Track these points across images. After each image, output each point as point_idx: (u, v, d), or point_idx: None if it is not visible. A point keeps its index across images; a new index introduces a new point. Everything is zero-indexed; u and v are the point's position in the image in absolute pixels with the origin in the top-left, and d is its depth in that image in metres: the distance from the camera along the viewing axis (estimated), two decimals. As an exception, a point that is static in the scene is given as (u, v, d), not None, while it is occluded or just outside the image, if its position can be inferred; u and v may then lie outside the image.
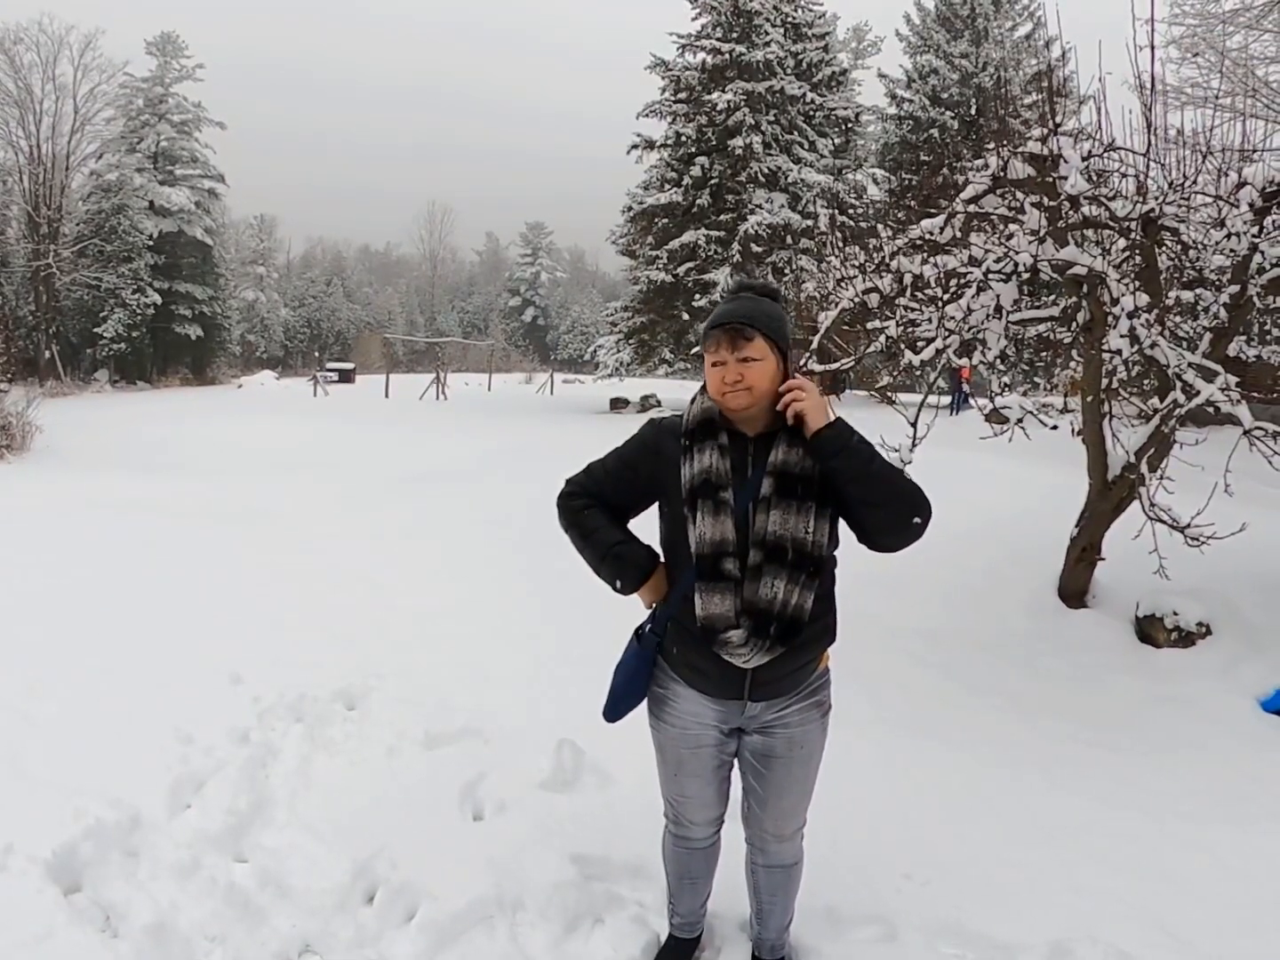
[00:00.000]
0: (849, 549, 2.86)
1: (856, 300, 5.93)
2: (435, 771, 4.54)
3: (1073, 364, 7.06)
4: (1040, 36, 33.57)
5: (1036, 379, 22.43)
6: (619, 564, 2.88)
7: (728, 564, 2.72)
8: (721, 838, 3.25)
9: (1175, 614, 6.25)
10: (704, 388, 2.89)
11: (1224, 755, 5.12)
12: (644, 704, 3.06)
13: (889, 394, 6.10)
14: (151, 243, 44.65)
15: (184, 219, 46.24)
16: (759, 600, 2.69)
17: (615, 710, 3.04)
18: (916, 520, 2.70)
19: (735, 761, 3.09)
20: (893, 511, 2.70)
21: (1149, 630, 6.33)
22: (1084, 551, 6.62)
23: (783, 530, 2.69)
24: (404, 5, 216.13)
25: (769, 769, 2.98)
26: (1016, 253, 5.30)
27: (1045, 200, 5.52)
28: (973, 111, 32.62)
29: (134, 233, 43.41)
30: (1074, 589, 6.74)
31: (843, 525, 2.83)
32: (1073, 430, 6.25)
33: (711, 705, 2.91)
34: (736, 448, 2.79)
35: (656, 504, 2.94)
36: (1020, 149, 5.61)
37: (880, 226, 6.62)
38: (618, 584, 2.89)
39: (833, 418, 2.68)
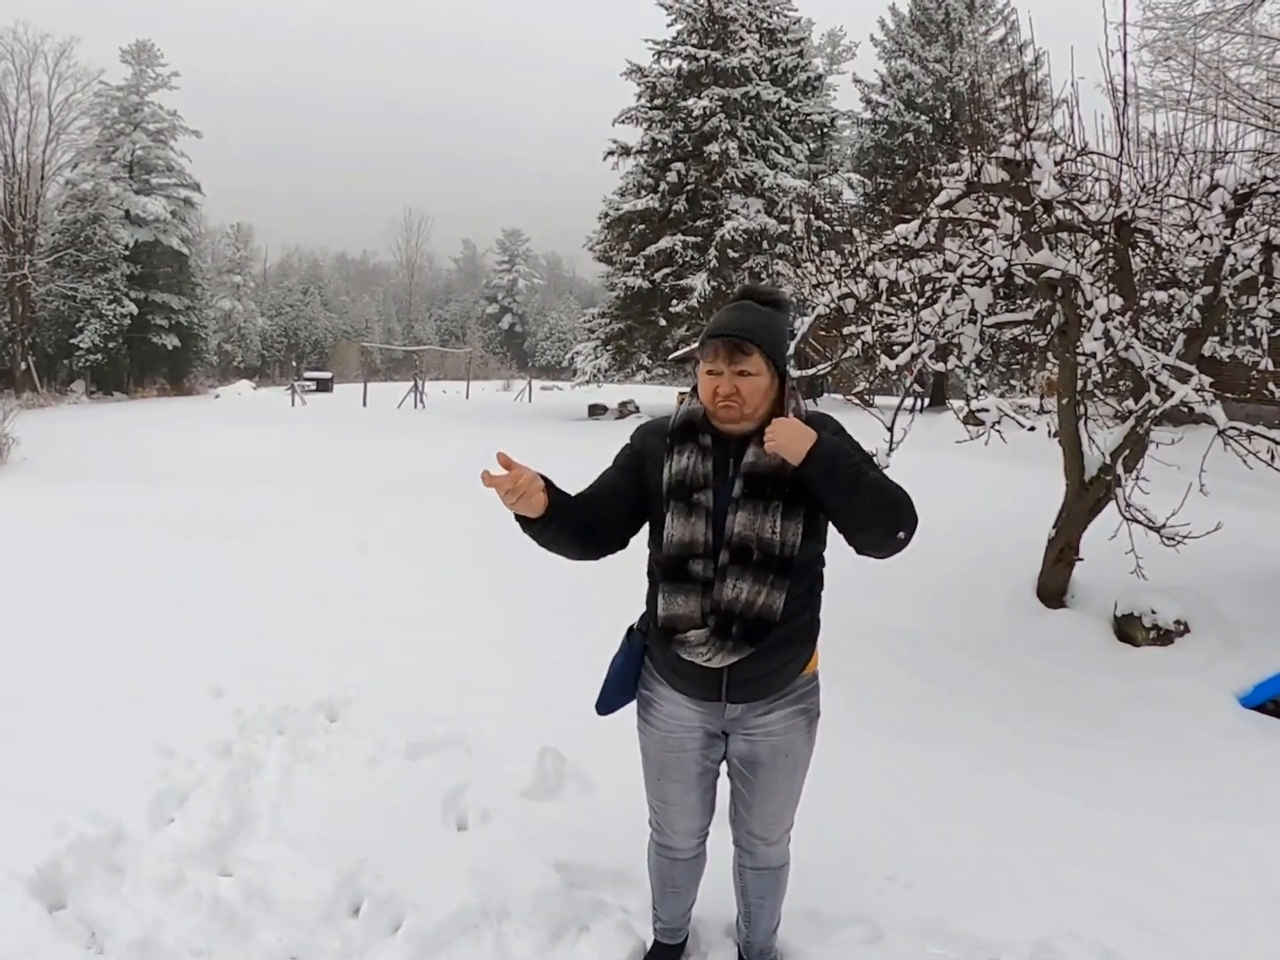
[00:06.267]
0: (830, 552, 2.88)
1: (832, 306, 5.96)
2: (418, 781, 4.52)
3: (1049, 366, 7.11)
4: (1014, 40, 33.76)
5: (1013, 381, 22.65)
6: None
7: (695, 565, 2.72)
8: (707, 850, 3.25)
9: (1153, 612, 6.28)
10: (695, 389, 2.88)
11: (1203, 751, 5.16)
12: (634, 705, 3.07)
13: (866, 398, 6.12)
14: (127, 252, 44.44)
15: (160, 228, 46.02)
16: (723, 600, 2.68)
17: (604, 703, 3.04)
18: (901, 535, 2.67)
19: (721, 768, 3.09)
20: (877, 530, 2.66)
21: (1127, 629, 6.37)
22: (1062, 552, 6.66)
23: (748, 531, 2.68)
24: (377, 20, 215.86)
25: (755, 775, 2.98)
26: (990, 257, 5.34)
27: (1019, 205, 5.56)
28: (947, 116, 32.77)
29: (110, 242, 43.19)
30: (1053, 589, 6.78)
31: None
32: (1049, 432, 6.28)
33: (693, 708, 2.91)
34: (719, 449, 2.79)
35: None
36: (994, 154, 5.65)
37: (856, 231, 6.66)
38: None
39: (808, 449, 2.60)
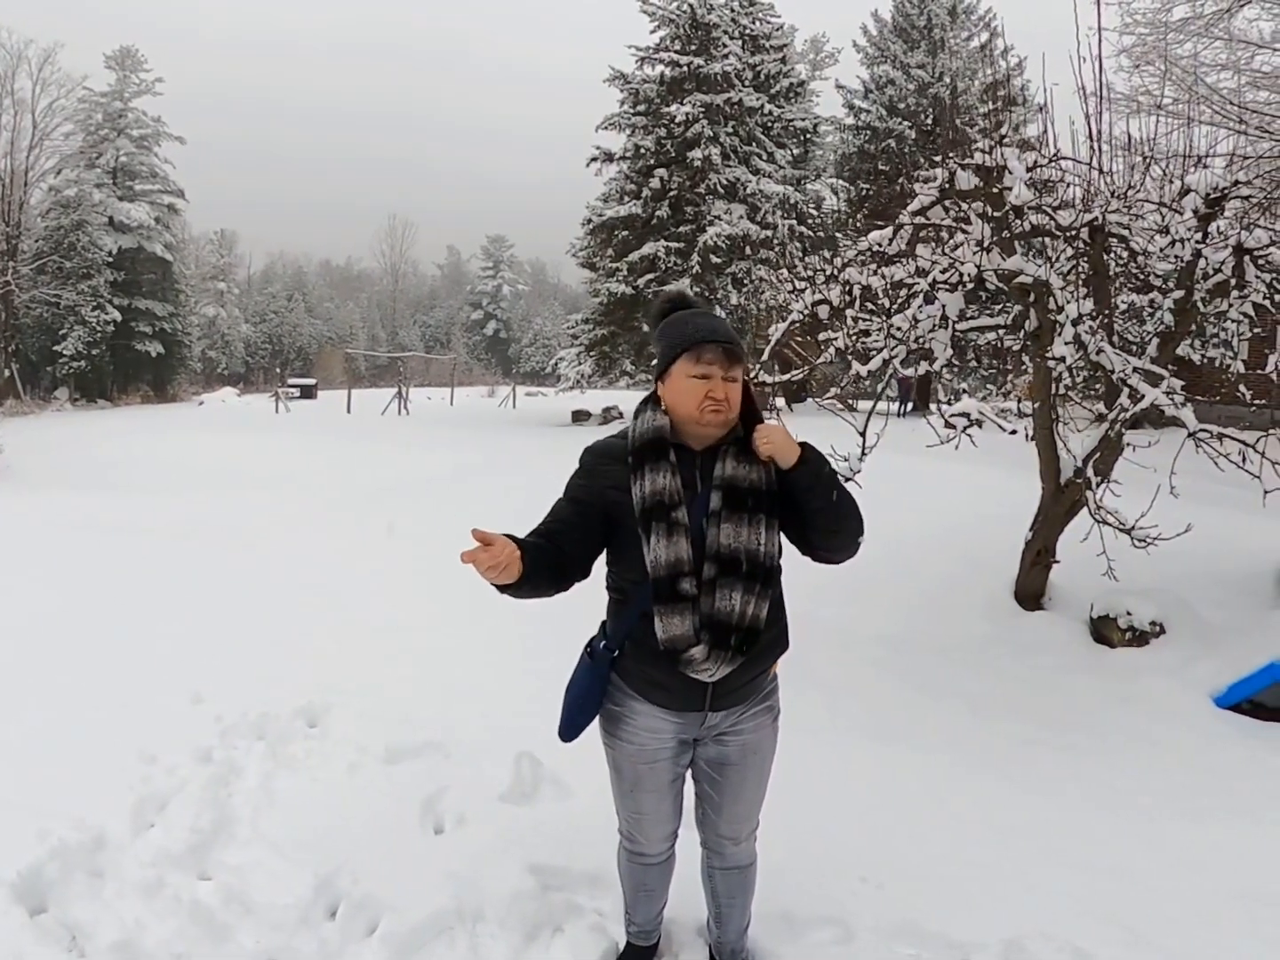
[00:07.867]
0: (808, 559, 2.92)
1: (807, 312, 5.99)
2: (396, 786, 4.54)
3: (1024, 371, 7.16)
4: (996, 46, 33.84)
5: (990, 386, 22.76)
6: None
7: (684, 584, 2.71)
8: (676, 851, 3.27)
9: (1129, 614, 6.34)
10: (649, 401, 2.88)
11: (1179, 751, 5.21)
12: (597, 722, 3.04)
13: (848, 402, 6.15)
14: (111, 259, 44.22)
15: (144, 235, 45.80)
16: (718, 613, 2.70)
17: (572, 729, 3.00)
18: (859, 541, 2.83)
19: (688, 772, 3.11)
20: (846, 534, 2.80)
21: (1103, 630, 6.42)
22: (1039, 555, 6.70)
23: (735, 543, 2.71)
24: (362, 29, 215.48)
25: (724, 776, 3.01)
26: (961, 263, 5.38)
27: (991, 210, 5.60)
28: (929, 121, 32.84)
29: (93, 249, 42.97)
30: (1030, 592, 6.82)
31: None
32: (1026, 435, 6.33)
33: (670, 719, 2.91)
34: (684, 463, 2.79)
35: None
36: (967, 160, 5.70)
37: (839, 236, 6.71)
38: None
39: (798, 452, 2.72)
